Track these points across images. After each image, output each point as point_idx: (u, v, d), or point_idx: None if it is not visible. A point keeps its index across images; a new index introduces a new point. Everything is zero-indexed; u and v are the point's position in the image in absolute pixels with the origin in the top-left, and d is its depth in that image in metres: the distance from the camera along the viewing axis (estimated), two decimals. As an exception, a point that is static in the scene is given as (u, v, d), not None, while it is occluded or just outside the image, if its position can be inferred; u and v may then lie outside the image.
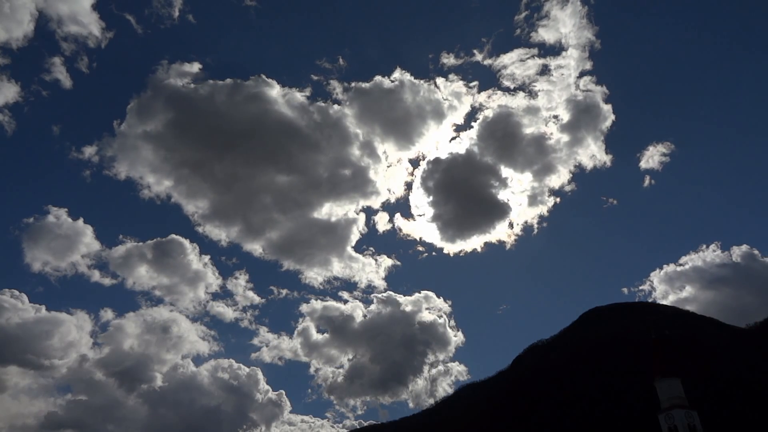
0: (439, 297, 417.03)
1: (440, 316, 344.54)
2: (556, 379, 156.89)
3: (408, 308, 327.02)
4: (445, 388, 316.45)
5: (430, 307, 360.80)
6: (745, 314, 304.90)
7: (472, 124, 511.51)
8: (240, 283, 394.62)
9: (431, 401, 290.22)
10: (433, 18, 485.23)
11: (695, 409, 69.16)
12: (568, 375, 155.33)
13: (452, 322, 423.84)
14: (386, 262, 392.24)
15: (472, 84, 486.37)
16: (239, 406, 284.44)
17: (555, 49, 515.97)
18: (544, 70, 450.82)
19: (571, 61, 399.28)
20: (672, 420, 67.77)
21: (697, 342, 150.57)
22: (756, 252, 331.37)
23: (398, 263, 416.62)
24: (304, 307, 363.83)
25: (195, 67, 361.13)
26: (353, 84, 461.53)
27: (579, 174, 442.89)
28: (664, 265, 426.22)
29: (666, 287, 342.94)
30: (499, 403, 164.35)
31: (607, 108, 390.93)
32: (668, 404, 69.30)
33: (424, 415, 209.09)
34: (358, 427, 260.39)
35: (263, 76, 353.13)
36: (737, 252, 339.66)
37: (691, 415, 67.72)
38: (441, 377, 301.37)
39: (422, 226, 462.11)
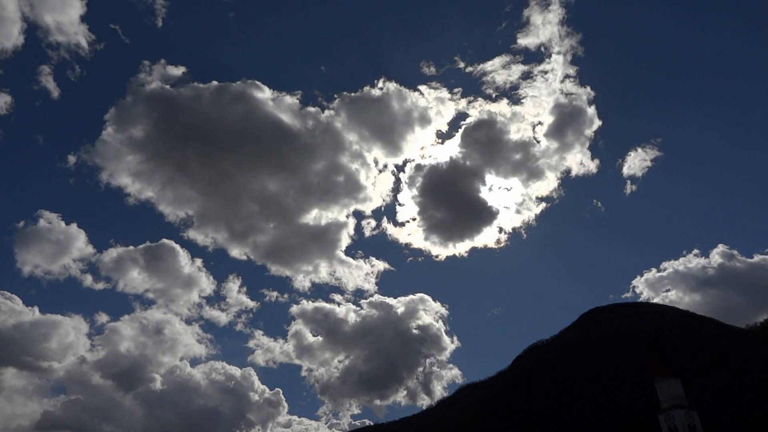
0: (436, 301, 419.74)
1: (436, 320, 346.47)
2: (556, 379, 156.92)
3: (402, 311, 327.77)
4: (439, 391, 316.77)
5: (425, 310, 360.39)
6: (733, 315, 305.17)
7: (454, 132, 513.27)
8: (233, 287, 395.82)
9: (427, 403, 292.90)
10: (416, 27, 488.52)
11: (695, 409, 69.15)
12: (568, 375, 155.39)
13: (446, 326, 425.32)
14: (377, 266, 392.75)
15: (456, 90, 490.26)
16: (236, 408, 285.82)
17: (538, 56, 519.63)
18: (528, 77, 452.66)
19: (555, 66, 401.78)
20: (672, 420, 67.75)
21: (697, 342, 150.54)
22: (735, 252, 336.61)
23: (389, 267, 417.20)
24: (297, 311, 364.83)
25: (179, 70, 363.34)
26: (340, 93, 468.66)
27: (565, 180, 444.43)
28: (645, 271, 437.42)
29: (653, 292, 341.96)
30: (498, 403, 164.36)
31: (592, 113, 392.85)
32: (668, 404, 69.26)
33: (424, 415, 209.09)
34: (351, 428, 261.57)
35: (257, 82, 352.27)
36: (717, 253, 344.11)
37: (691, 415, 67.70)
38: (435, 379, 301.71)
39: (411, 231, 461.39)
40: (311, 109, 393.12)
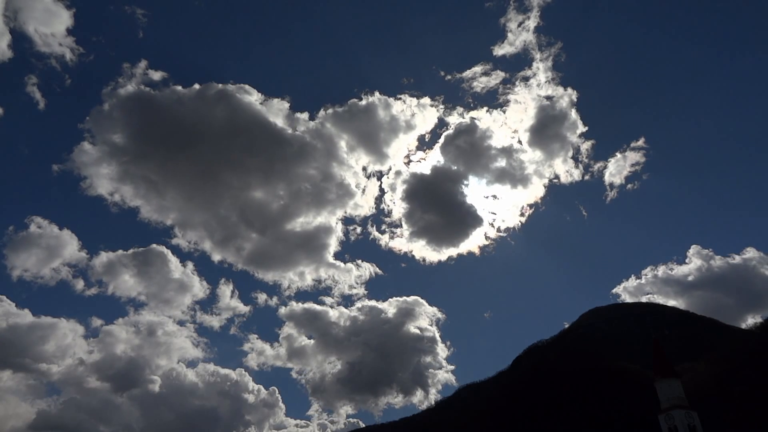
0: (432, 306, 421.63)
1: (431, 324, 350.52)
2: (556, 379, 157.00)
3: (394, 314, 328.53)
4: (434, 393, 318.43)
5: (417, 313, 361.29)
6: (722, 316, 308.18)
7: (440, 140, 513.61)
8: (225, 291, 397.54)
9: (421, 403, 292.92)
10: (398, 39, 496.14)
11: (695, 409, 69.28)
12: (568, 375, 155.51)
13: (438, 329, 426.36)
14: (366, 270, 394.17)
15: (438, 98, 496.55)
16: (233, 409, 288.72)
17: (521, 63, 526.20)
18: (511, 84, 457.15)
19: (537, 72, 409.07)
20: (672, 420, 67.88)
21: (697, 342, 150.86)
22: (710, 251, 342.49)
23: (378, 271, 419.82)
24: (288, 315, 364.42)
25: (163, 76, 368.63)
26: (325, 105, 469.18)
27: (550, 186, 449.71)
28: (624, 280, 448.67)
29: (636, 299, 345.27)
30: (498, 403, 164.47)
31: (575, 118, 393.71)
32: (668, 404, 69.37)
33: (423, 415, 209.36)
34: (347, 428, 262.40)
35: (246, 86, 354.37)
36: (695, 255, 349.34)
37: (691, 416, 67.83)
38: (429, 381, 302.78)
39: (399, 236, 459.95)
40: (299, 115, 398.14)
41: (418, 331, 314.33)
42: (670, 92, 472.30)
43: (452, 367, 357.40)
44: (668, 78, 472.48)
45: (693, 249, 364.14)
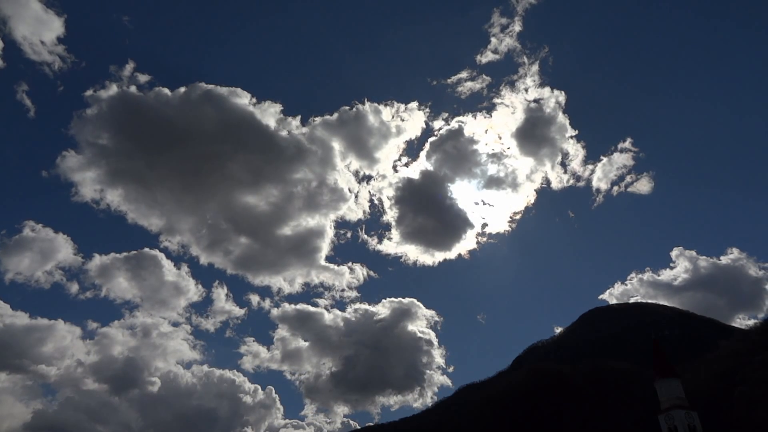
0: (429, 309, 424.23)
1: (428, 326, 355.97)
2: (556, 379, 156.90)
3: (389, 316, 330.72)
4: (430, 395, 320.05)
5: (412, 315, 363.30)
6: (713, 317, 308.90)
7: (433, 145, 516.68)
8: (219, 294, 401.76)
9: (417, 405, 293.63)
10: (388, 44, 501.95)
11: (695, 409, 69.05)
12: (568, 375, 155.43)
13: (434, 330, 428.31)
14: (359, 273, 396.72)
15: (427, 104, 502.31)
16: (230, 411, 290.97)
17: (507, 67, 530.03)
18: (498, 89, 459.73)
19: (525, 77, 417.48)
20: (672, 420, 67.61)
21: (697, 342, 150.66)
22: (693, 252, 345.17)
23: (372, 274, 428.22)
24: (283, 317, 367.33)
25: (152, 80, 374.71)
26: (316, 110, 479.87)
27: (539, 190, 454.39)
28: (609, 286, 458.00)
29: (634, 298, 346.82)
30: (497, 404, 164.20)
31: (564, 122, 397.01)
32: (668, 404, 69.11)
33: (423, 415, 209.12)
34: (343, 430, 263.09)
35: (237, 90, 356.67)
36: (680, 257, 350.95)
37: (691, 416, 67.58)
38: (425, 383, 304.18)
39: (391, 239, 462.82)
40: (291, 119, 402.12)
41: (413, 333, 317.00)
42: (656, 93, 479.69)
43: (449, 369, 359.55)
44: (656, 78, 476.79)
45: (676, 251, 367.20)
